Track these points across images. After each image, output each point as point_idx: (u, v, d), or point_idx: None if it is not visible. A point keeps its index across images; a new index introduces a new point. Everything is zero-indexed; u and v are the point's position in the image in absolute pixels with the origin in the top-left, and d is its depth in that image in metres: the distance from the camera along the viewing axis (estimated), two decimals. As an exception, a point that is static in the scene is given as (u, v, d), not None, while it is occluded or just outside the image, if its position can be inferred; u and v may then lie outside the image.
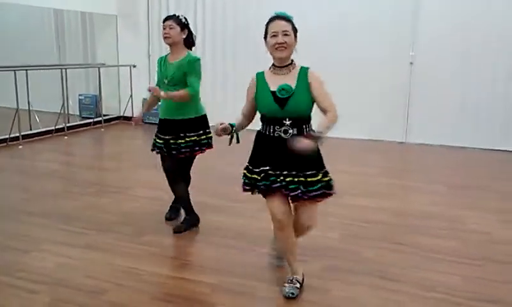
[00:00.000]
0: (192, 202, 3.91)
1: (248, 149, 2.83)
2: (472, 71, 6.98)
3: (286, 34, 2.63)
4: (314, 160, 2.69)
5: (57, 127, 7.83)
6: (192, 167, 3.92)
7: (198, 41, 3.77)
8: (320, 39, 7.14)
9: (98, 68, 8.92)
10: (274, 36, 2.64)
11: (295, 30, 2.69)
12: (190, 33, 3.70)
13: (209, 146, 3.77)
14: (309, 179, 2.66)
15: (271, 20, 2.69)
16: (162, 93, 3.52)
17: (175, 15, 3.67)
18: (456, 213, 4.33)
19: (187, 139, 3.64)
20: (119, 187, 5.07)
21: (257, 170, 2.74)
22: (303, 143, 2.48)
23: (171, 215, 4.06)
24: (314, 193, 2.67)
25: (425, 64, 7.20)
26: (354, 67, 7.33)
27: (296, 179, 2.65)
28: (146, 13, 8.85)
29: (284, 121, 2.65)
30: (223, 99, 8.12)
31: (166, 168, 3.80)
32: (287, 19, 2.67)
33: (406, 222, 4.12)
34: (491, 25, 6.77)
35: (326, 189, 2.72)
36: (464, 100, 7.09)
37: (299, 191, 2.65)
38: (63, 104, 7.95)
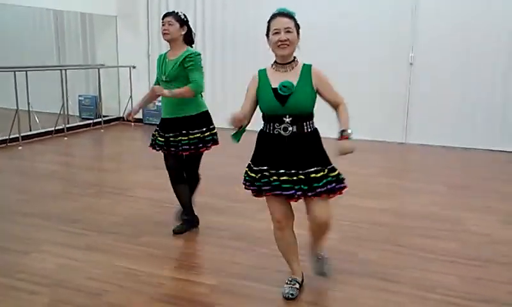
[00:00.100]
0: (192, 202, 3.90)
1: (249, 149, 2.82)
2: (472, 72, 6.98)
3: (288, 31, 2.59)
4: (317, 157, 2.65)
5: (56, 128, 7.83)
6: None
7: (197, 39, 3.75)
8: (320, 40, 7.14)
9: (98, 68, 8.93)
10: (276, 33, 2.59)
11: (298, 27, 2.64)
12: (189, 30, 3.67)
13: (215, 142, 3.72)
14: (312, 175, 2.60)
15: (273, 16, 2.64)
16: (165, 92, 3.47)
17: (174, 12, 3.64)
18: (456, 214, 4.33)
19: (190, 137, 3.58)
20: (118, 188, 5.07)
21: (256, 169, 2.72)
22: (347, 147, 2.57)
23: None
24: (319, 189, 2.60)
25: (425, 64, 7.21)
26: (354, 67, 7.34)
27: (293, 178, 2.60)
28: (146, 13, 8.85)
29: (284, 119, 2.61)
30: (223, 97, 8.12)
31: (168, 166, 3.78)
32: (290, 16, 2.63)
33: (406, 223, 4.12)
34: (491, 25, 6.77)
35: (336, 184, 2.65)
36: (464, 101, 7.10)
37: (294, 191, 2.60)
38: (63, 105, 7.96)
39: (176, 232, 3.81)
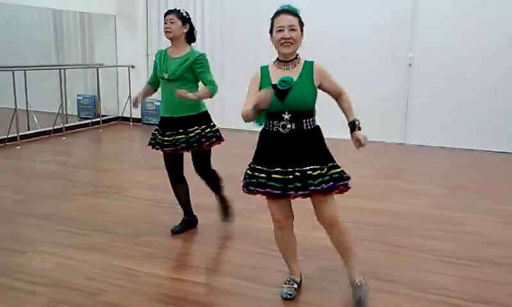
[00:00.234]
0: (191, 202, 3.90)
1: (250, 149, 2.82)
2: (471, 72, 6.99)
3: (292, 29, 2.56)
4: (316, 155, 2.62)
5: (55, 128, 7.82)
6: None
7: (197, 37, 3.72)
8: (319, 41, 7.12)
9: (97, 68, 8.93)
10: (280, 30, 2.56)
11: (302, 24, 2.61)
12: (191, 28, 3.64)
13: (218, 138, 3.67)
14: (308, 173, 2.57)
15: (277, 13, 2.61)
16: (190, 95, 3.42)
17: (176, 9, 3.60)
18: (455, 215, 4.33)
19: (190, 134, 3.56)
20: (117, 187, 5.06)
21: (253, 167, 2.71)
22: (365, 137, 2.64)
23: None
24: (313, 187, 2.56)
25: (424, 65, 7.22)
26: (353, 68, 7.32)
27: (289, 176, 2.57)
28: (145, 13, 8.85)
29: (283, 115, 2.59)
30: (222, 98, 8.09)
31: (168, 166, 3.77)
32: (294, 13, 2.59)
33: (404, 224, 4.12)
34: (490, 26, 6.78)
35: (335, 182, 2.60)
36: (463, 101, 7.10)
37: (281, 191, 2.59)
38: (61, 104, 7.95)
39: (175, 232, 3.80)
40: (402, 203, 4.71)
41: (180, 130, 3.58)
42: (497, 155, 6.86)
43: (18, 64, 7.67)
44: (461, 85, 7.08)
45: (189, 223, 3.89)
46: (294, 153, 2.60)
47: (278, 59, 2.69)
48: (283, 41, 2.56)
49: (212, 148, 3.72)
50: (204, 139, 3.59)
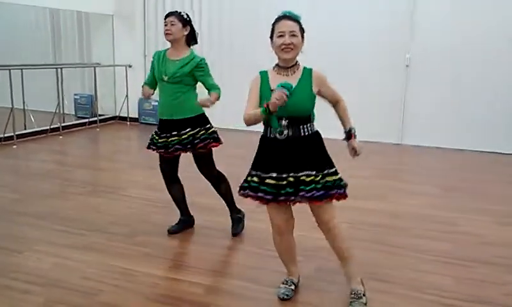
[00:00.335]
0: (187, 203, 3.90)
1: (249, 150, 2.82)
2: (469, 75, 7.00)
3: (293, 35, 2.56)
4: (312, 161, 2.62)
5: (52, 127, 7.80)
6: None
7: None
8: (316, 42, 7.12)
9: (94, 67, 8.91)
10: (280, 36, 2.56)
11: (302, 31, 2.62)
12: (192, 30, 3.63)
13: (215, 140, 3.64)
14: (302, 178, 2.57)
15: (278, 19, 2.62)
16: (209, 103, 3.40)
17: (176, 12, 3.59)
18: (451, 215, 4.34)
19: (183, 136, 3.54)
20: (114, 187, 5.06)
21: (253, 172, 2.72)
22: (361, 146, 2.66)
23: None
24: (302, 193, 2.57)
25: (421, 66, 7.23)
26: (350, 69, 7.35)
27: (283, 182, 2.58)
28: (142, 12, 8.83)
29: (281, 121, 2.59)
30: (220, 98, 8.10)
31: (162, 168, 3.76)
32: (295, 19, 2.60)
33: (401, 224, 4.13)
34: (489, 28, 6.79)
35: (327, 190, 2.59)
36: (459, 102, 7.12)
37: (273, 196, 2.60)
38: (58, 104, 7.93)
39: (172, 232, 3.80)
40: (399, 203, 4.72)
41: (173, 133, 3.57)
42: (494, 156, 6.87)
43: (15, 63, 7.65)
44: (459, 86, 7.09)
45: (185, 223, 3.89)
46: (290, 159, 2.60)
47: (277, 64, 2.69)
48: (283, 46, 2.57)
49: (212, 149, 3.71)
50: (197, 141, 3.56)
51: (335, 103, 2.75)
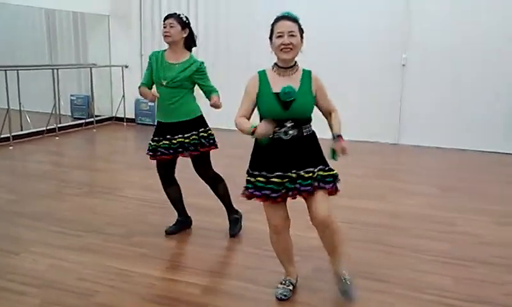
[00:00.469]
0: (185, 203, 3.87)
1: (245, 150, 2.80)
2: (469, 74, 7.00)
3: (292, 35, 2.57)
4: (311, 158, 2.65)
5: (48, 128, 7.77)
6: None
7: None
8: (315, 42, 7.10)
9: (90, 68, 8.88)
10: (279, 36, 2.57)
11: (301, 31, 2.63)
12: (191, 33, 3.61)
13: (213, 144, 3.62)
14: (301, 174, 2.61)
15: (277, 19, 2.62)
16: (220, 104, 3.46)
17: (176, 14, 3.56)
18: (449, 215, 4.33)
19: (186, 140, 3.53)
20: (110, 188, 5.03)
21: (252, 173, 2.71)
22: (346, 147, 2.62)
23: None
24: (298, 185, 2.61)
25: (418, 66, 7.22)
26: (346, 69, 7.35)
27: (284, 180, 2.62)
28: (139, 13, 8.80)
29: (285, 123, 2.61)
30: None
31: (159, 170, 3.74)
32: (294, 19, 2.61)
33: (399, 224, 4.11)
34: (489, 28, 6.78)
35: (320, 183, 2.60)
36: (456, 102, 7.11)
37: (278, 194, 2.62)
38: (55, 105, 7.90)
39: (169, 233, 3.78)
40: (397, 203, 4.71)
41: (179, 135, 3.55)
42: (492, 155, 6.86)
43: (11, 63, 7.62)
44: (459, 86, 7.08)
45: (183, 224, 3.87)
46: (293, 158, 2.63)
47: (276, 64, 2.69)
48: (282, 47, 2.57)
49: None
50: (199, 145, 3.55)
51: (328, 113, 2.76)
